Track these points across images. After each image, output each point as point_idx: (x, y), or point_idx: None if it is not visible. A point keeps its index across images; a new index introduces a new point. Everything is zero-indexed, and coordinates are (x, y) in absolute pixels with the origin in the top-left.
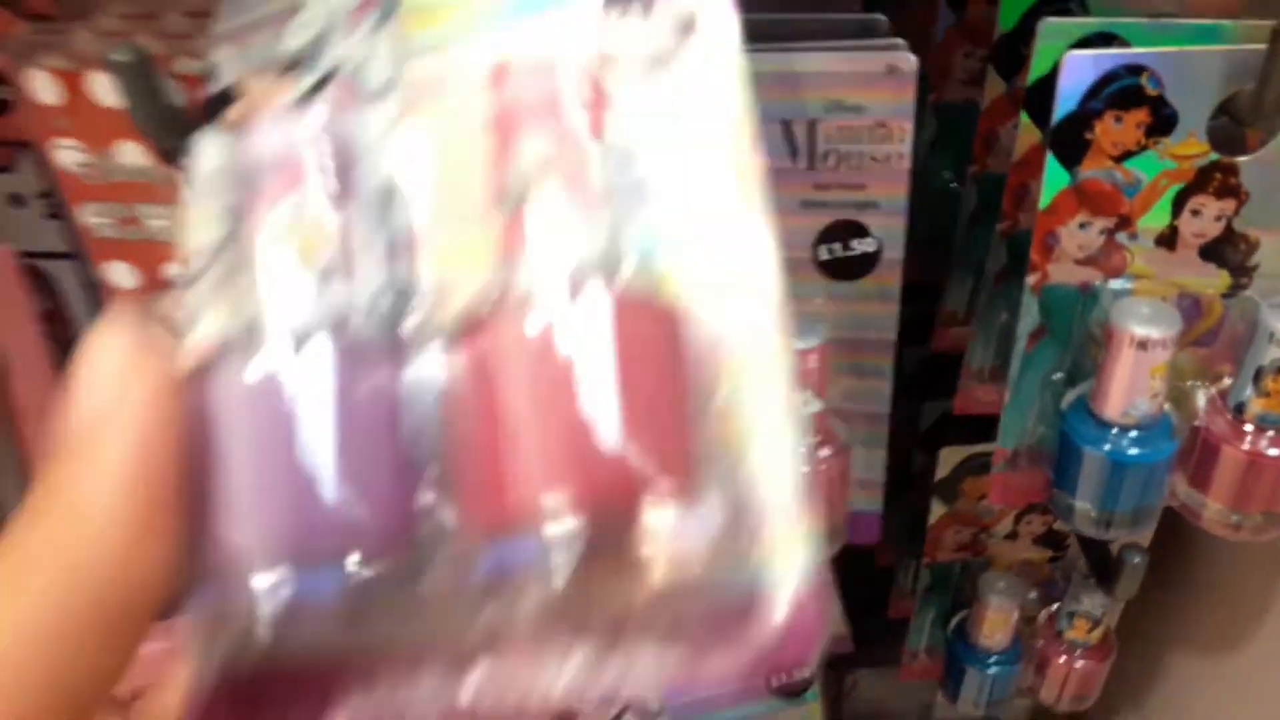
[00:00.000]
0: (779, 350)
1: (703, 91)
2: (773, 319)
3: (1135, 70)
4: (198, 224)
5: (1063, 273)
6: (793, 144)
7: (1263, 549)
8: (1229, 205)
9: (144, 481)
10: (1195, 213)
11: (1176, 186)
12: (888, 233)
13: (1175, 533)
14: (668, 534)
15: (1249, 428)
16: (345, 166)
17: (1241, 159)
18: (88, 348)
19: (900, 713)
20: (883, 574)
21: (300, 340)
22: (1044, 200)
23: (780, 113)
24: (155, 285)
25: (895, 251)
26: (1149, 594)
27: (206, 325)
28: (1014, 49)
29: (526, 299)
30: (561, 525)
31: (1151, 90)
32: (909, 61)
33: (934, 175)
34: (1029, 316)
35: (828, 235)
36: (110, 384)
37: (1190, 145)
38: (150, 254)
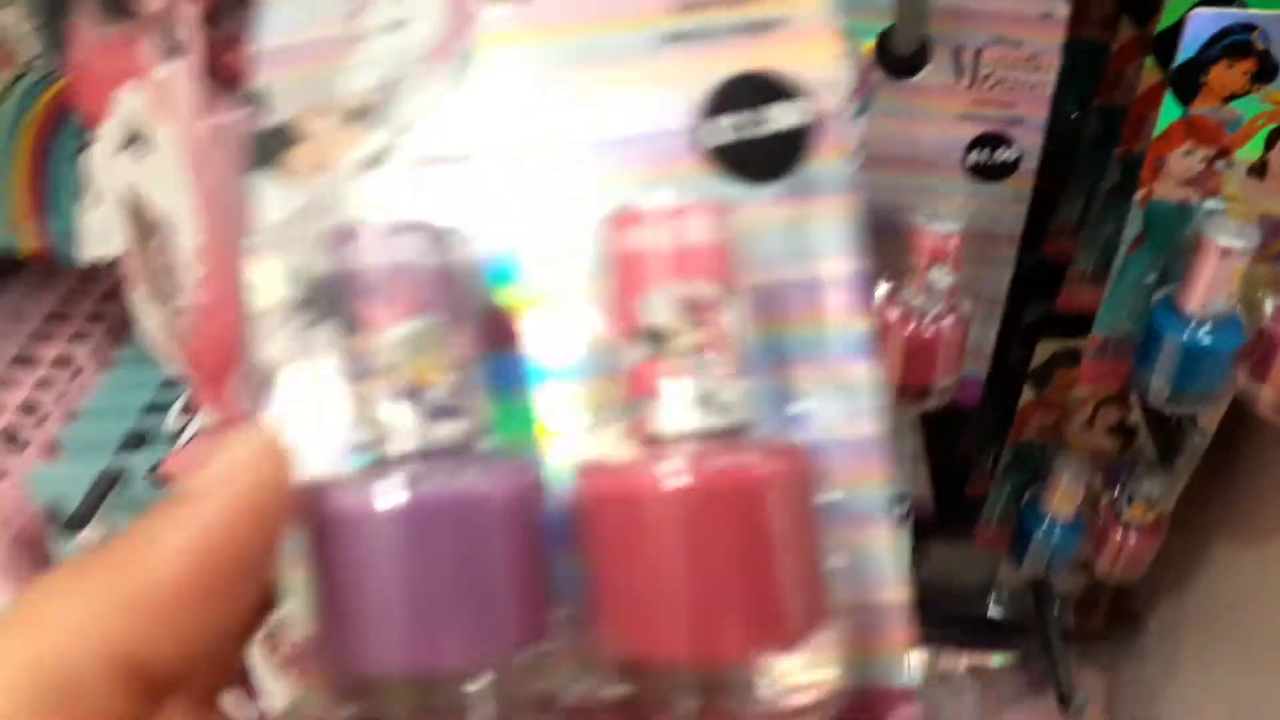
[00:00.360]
0: (882, 455)
1: (816, 215)
2: (875, 424)
3: (1248, 28)
4: (267, 278)
5: (1167, 190)
6: (959, 66)
7: None
8: None
9: (214, 554)
10: None
11: (1271, 126)
12: (1027, 146)
13: (1230, 438)
14: (800, 670)
15: None
16: (450, 278)
17: None
18: (232, 437)
19: (968, 580)
20: (962, 463)
21: (426, 462)
22: (1158, 129)
23: (953, 40)
24: None
25: (1031, 162)
26: (1207, 490)
27: (319, 443)
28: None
29: (659, 444)
30: (684, 676)
31: (1261, 45)
32: (1061, 8)
33: (1060, 104)
34: (1133, 225)
35: (977, 143)
36: (232, 465)
37: None
38: None
